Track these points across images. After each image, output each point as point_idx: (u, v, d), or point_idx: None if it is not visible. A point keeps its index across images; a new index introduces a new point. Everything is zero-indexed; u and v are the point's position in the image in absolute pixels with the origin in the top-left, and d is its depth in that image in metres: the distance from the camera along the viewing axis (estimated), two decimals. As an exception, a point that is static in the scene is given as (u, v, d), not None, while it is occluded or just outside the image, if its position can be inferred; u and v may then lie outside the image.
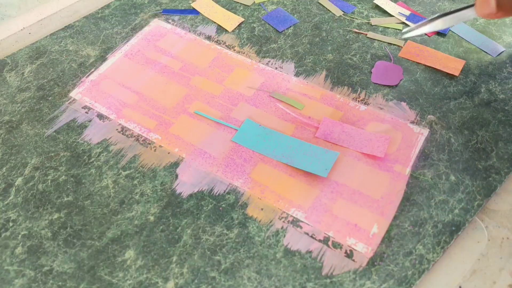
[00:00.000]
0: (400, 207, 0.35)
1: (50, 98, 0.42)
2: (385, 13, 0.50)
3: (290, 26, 0.48)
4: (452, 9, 0.38)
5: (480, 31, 0.48)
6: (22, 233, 0.34)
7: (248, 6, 0.51)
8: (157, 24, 0.49)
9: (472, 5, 0.36)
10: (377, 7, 0.51)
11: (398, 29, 0.48)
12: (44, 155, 0.38)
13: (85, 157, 0.38)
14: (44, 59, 0.46)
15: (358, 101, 0.42)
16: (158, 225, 0.34)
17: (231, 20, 0.49)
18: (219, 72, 0.44)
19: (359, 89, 0.43)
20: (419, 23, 0.39)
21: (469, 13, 0.37)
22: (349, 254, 0.33)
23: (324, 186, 0.36)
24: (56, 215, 0.35)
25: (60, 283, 0.32)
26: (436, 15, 0.38)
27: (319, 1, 0.51)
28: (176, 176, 0.37)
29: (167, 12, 0.50)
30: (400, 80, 0.43)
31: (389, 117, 0.41)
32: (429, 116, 0.41)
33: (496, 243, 0.34)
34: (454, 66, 0.44)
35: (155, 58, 0.46)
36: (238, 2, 0.51)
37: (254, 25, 0.49)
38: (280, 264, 0.33)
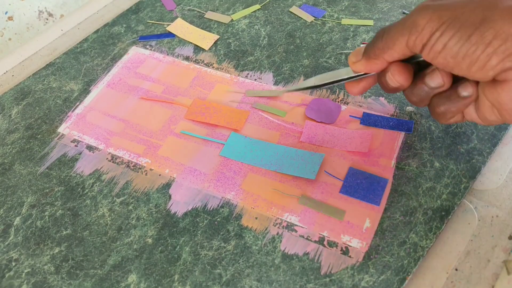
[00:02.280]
0: (390, 199, 0.36)
1: (39, 136, 0.43)
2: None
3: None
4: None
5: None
6: (26, 271, 0.35)
7: (225, 23, 0.52)
8: (136, 52, 0.50)
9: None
10: (347, 8, 0.52)
11: (369, 25, 0.50)
12: (39, 192, 0.39)
13: (79, 189, 0.39)
14: (30, 99, 0.47)
15: (338, 101, 0.43)
16: (157, 247, 0.35)
17: (206, 39, 0.50)
18: (200, 90, 0.46)
19: (337, 90, 0.44)
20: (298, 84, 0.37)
21: (343, 71, 0.34)
22: (345, 251, 0.34)
23: (314, 188, 0.37)
24: (57, 249, 0.36)
25: (67, 315, 0.32)
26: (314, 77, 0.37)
27: (290, 10, 0.53)
28: (170, 196, 0.38)
29: (144, 39, 0.51)
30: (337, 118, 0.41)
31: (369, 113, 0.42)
32: (407, 108, 0.42)
33: (487, 222, 0.35)
34: (238, 119, 0.42)
35: (137, 84, 0.47)
36: (212, 20, 0.53)
37: (230, 41, 0.50)
38: (280, 270, 0.33)
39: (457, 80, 0.30)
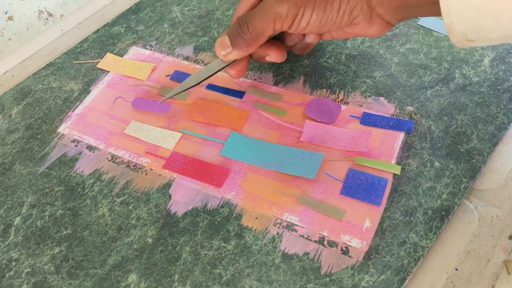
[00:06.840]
0: (390, 199, 0.36)
1: (39, 136, 0.43)
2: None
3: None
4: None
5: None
6: (26, 270, 0.35)
7: (222, 22, 0.52)
8: (136, 51, 0.50)
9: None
10: (347, 8, 0.52)
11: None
12: (39, 192, 0.39)
13: (79, 189, 0.39)
14: (30, 99, 0.47)
15: (338, 101, 0.43)
16: (157, 247, 0.35)
17: (143, 69, 0.48)
18: (201, 90, 0.46)
19: (337, 90, 0.44)
20: (176, 88, 0.41)
21: (215, 64, 0.40)
22: (345, 251, 0.34)
23: (314, 188, 0.37)
24: (57, 249, 0.36)
25: (67, 315, 0.32)
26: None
27: (290, 10, 0.53)
28: (170, 196, 0.38)
29: (211, 89, 0.45)
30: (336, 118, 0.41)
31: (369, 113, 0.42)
32: (408, 108, 0.42)
33: (487, 222, 0.35)
34: (238, 119, 0.42)
35: (137, 84, 0.47)
36: (211, 20, 0.53)
37: (230, 41, 0.50)
38: (280, 269, 0.33)
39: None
